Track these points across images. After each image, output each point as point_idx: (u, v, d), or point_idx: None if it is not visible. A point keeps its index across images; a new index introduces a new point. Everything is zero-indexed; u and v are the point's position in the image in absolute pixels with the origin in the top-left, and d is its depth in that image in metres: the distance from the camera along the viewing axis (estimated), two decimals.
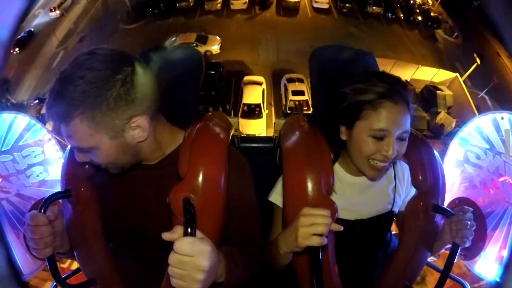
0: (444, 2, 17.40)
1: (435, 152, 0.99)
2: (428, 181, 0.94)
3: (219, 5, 16.73)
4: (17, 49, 14.72)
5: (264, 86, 10.58)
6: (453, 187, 1.38)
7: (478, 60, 11.81)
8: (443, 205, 0.97)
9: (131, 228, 0.85)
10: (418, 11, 16.55)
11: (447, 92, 10.94)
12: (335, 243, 0.89)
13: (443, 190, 0.97)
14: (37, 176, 1.37)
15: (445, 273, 0.88)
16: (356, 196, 0.94)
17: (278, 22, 15.40)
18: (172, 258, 0.61)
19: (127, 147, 0.74)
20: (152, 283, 0.82)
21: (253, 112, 9.84)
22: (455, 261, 0.88)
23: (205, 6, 16.47)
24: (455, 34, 15.32)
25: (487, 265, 1.24)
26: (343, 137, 0.88)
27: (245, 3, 17.00)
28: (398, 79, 0.86)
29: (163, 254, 0.62)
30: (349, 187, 0.94)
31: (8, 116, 1.32)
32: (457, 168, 1.39)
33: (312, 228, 0.71)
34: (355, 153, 0.87)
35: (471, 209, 0.88)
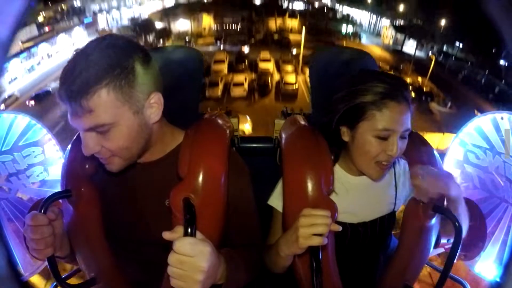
0: (432, 77, 19.03)
1: (435, 152, 0.99)
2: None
3: (219, 92, 17.62)
4: (32, 102, 15.75)
5: None
6: None
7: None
8: (443, 205, 0.97)
9: (131, 228, 0.85)
10: (410, 88, 17.58)
11: None
12: (337, 246, 0.89)
13: None
14: (37, 176, 1.37)
15: (445, 273, 0.88)
16: (358, 197, 0.94)
17: (277, 107, 15.85)
18: (172, 258, 0.61)
19: (145, 126, 0.74)
20: (153, 283, 0.82)
21: None
22: (455, 261, 0.88)
23: (206, 92, 17.09)
24: (449, 104, 16.67)
25: (487, 265, 1.24)
26: (345, 138, 0.88)
27: (244, 90, 17.96)
28: (399, 78, 0.86)
29: (163, 254, 0.62)
30: (351, 188, 0.93)
31: (8, 116, 1.32)
32: (457, 168, 1.39)
33: (312, 228, 0.71)
34: (358, 154, 0.87)
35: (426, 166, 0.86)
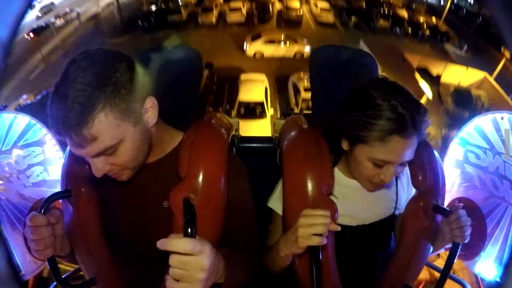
0: (447, 20, 17.73)
1: (435, 152, 0.99)
2: (428, 181, 0.94)
3: (214, 18, 15.80)
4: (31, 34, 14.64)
5: (266, 84, 9.48)
6: (453, 187, 1.37)
7: (507, 54, 10.88)
8: (443, 205, 0.97)
9: (131, 229, 0.85)
10: (425, 26, 16.66)
11: (480, 92, 10.03)
12: (336, 248, 0.89)
13: (443, 190, 0.97)
14: (37, 176, 1.37)
15: (445, 273, 0.89)
16: (357, 200, 0.93)
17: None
18: (173, 259, 0.60)
19: (146, 132, 0.73)
20: (153, 284, 0.82)
21: (253, 112, 8.49)
22: (455, 261, 0.88)
23: (199, 19, 15.56)
24: (465, 47, 15.37)
25: (487, 265, 1.24)
26: (344, 147, 0.86)
27: (242, 15, 15.97)
28: (409, 101, 0.76)
29: (163, 255, 0.62)
30: (350, 191, 0.93)
31: (8, 116, 1.32)
32: (457, 168, 1.39)
33: (312, 228, 0.71)
34: (354, 169, 0.86)
35: (462, 205, 0.88)
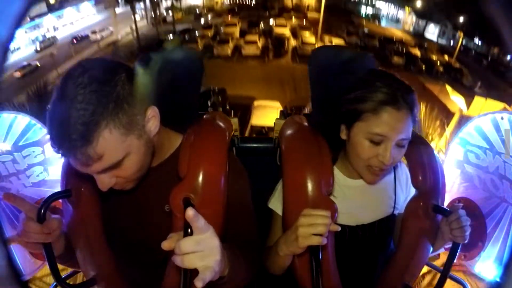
0: (458, 59, 18.42)
1: (435, 153, 0.99)
2: (428, 181, 0.94)
3: (229, 50, 15.97)
4: (18, 73, 15.66)
5: (281, 109, 9.22)
6: (453, 187, 1.38)
7: None
8: (443, 205, 0.97)
9: (132, 233, 0.85)
10: (439, 64, 17.27)
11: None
12: (336, 247, 0.89)
13: (443, 190, 0.97)
14: (37, 176, 1.37)
15: (445, 273, 0.89)
16: (356, 200, 0.93)
17: (295, 68, 14.36)
18: (186, 242, 0.58)
19: (149, 143, 0.73)
20: (153, 284, 0.82)
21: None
22: (455, 260, 0.88)
23: (214, 50, 15.81)
24: (478, 84, 15.70)
25: (487, 265, 1.24)
26: (343, 136, 0.87)
27: (258, 48, 16.07)
28: (402, 83, 0.83)
29: (163, 256, 0.62)
30: (349, 191, 0.93)
31: (8, 116, 1.32)
32: (457, 168, 1.39)
33: (312, 228, 0.71)
34: (353, 155, 0.86)
35: (462, 205, 0.88)
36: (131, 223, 0.85)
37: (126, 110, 0.64)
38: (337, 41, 17.90)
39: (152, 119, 0.72)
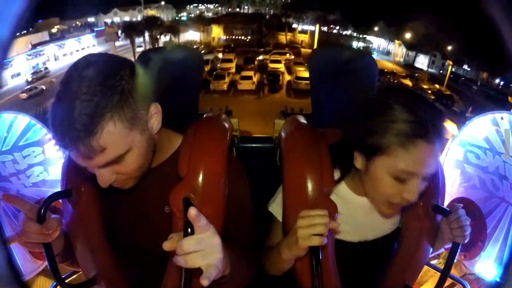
0: (449, 86, 19.68)
1: None
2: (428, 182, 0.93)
3: (225, 86, 16.60)
4: (24, 95, 16.18)
5: None
6: (453, 187, 1.38)
7: None
8: (443, 205, 0.97)
9: (131, 234, 0.85)
10: (429, 92, 17.96)
11: None
12: (337, 262, 0.87)
13: (443, 190, 0.97)
14: (37, 176, 1.37)
15: (445, 273, 0.88)
16: (361, 217, 0.90)
17: (289, 102, 14.76)
18: (187, 242, 0.59)
19: (151, 139, 0.73)
20: (153, 284, 0.82)
21: None
22: (455, 260, 0.88)
23: (211, 86, 16.28)
24: (470, 109, 16.27)
25: (487, 265, 1.24)
26: (358, 165, 0.79)
27: (253, 83, 16.83)
28: (430, 107, 0.71)
29: (163, 256, 0.61)
30: (354, 208, 0.89)
31: (8, 116, 1.32)
32: (457, 168, 1.39)
33: (311, 228, 0.71)
34: (371, 188, 0.79)
35: (462, 205, 0.87)
36: (131, 223, 0.85)
37: (130, 104, 0.65)
38: None
39: (155, 116, 0.72)
